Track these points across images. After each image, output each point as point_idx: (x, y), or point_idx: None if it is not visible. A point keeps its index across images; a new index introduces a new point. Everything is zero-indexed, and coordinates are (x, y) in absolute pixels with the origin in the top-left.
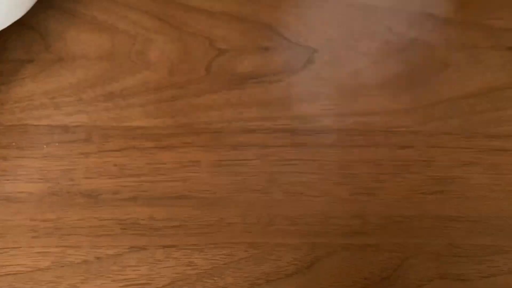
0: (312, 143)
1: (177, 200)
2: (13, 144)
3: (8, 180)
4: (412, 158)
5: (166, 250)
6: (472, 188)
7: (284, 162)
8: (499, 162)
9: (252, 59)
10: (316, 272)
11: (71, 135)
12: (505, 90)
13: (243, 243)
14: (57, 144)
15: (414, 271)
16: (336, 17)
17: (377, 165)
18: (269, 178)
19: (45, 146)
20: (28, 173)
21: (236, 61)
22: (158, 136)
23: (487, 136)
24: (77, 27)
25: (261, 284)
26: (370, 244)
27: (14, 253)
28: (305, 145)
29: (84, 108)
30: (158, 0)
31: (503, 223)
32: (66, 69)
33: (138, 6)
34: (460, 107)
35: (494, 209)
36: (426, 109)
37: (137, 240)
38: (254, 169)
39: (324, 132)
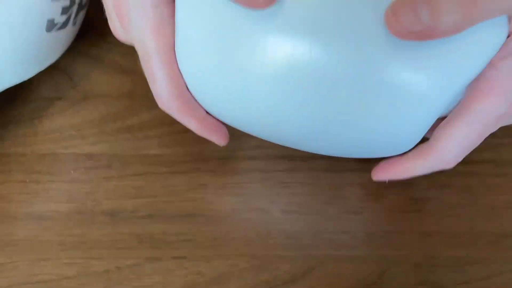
0: (306, 168)
1: (188, 217)
2: (45, 170)
3: (39, 201)
4: (392, 181)
5: (178, 261)
6: (447, 207)
7: (281, 185)
8: (471, 185)
9: None
10: (309, 280)
11: (95, 162)
12: None
13: (245, 255)
14: (82, 169)
15: (396, 280)
16: None
17: (363, 187)
18: (268, 199)
19: (72, 172)
20: (57, 195)
21: None
22: (171, 162)
23: (461, 162)
24: (100, 69)
25: None
26: (357, 256)
27: (44, 263)
28: (299, 170)
29: (106, 138)
30: None
31: (475, 237)
32: (90, 105)
33: None
34: None
35: (467, 225)
36: None
37: (152, 252)
38: (255, 191)
39: (316, 159)
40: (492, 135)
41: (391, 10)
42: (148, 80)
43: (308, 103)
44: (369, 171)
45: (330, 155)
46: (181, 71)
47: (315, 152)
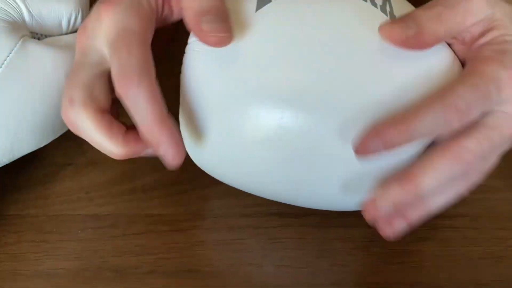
0: (297, 224)
1: (187, 273)
2: (54, 230)
3: (48, 259)
4: (377, 235)
5: None
6: (428, 259)
7: (274, 240)
8: (449, 237)
9: None
10: None
11: (101, 222)
12: None
13: None
14: (89, 229)
15: None
16: None
17: (350, 241)
18: (262, 254)
19: (79, 231)
20: (66, 253)
21: None
22: (172, 221)
23: (439, 217)
24: None
25: None
26: None
27: None
28: (291, 226)
29: (112, 200)
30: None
31: (454, 286)
32: (98, 169)
33: None
34: None
35: (446, 276)
36: None
37: None
38: (249, 247)
39: (306, 215)
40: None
41: (385, 23)
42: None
43: (285, 166)
44: (355, 226)
45: (313, 207)
46: (182, 134)
47: (298, 204)
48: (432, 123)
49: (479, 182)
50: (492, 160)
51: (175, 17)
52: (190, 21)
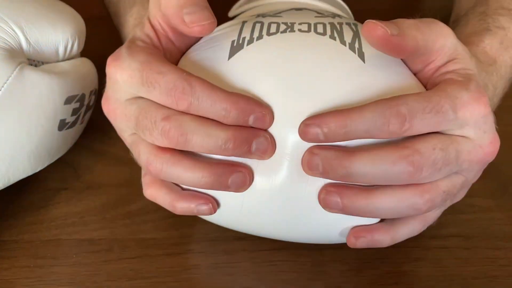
0: (290, 247)
1: None
2: (48, 255)
3: (42, 284)
4: (371, 256)
5: None
6: (421, 280)
7: (268, 263)
8: (442, 258)
9: None
10: None
11: (96, 246)
12: None
13: None
14: (84, 254)
15: None
16: None
17: (344, 263)
18: (256, 277)
19: (74, 256)
20: (60, 278)
21: None
22: (166, 245)
23: (431, 237)
24: (102, 161)
25: None
26: None
27: None
28: (284, 249)
29: (107, 224)
30: None
31: None
32: (93, 194)
33: None
34: None
35: None
36: None
37: None
38: (243, 270)
39: None
40: (459, 212)
41: (369, 21)
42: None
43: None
44: (348, 248)
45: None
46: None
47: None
48: (370, 121)
49: (439, 201)
50: (454, 185)
51: (178, 45)
52: (172, 17)
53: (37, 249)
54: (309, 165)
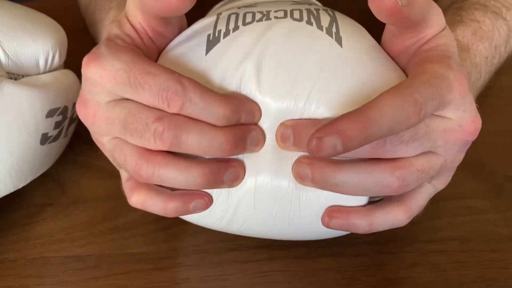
0: (283, 257)
1: None
2: (34, 274)
3: None
4: (366, 263)
5: None
6: (418, 285)
7: (260, 274)
8: (439, 262)
9: None
10: None
11: (83, 263)
12: (438, 203)
13: None
14: (71, 271)
15: None
16: None
17: (338, 271)
18: None
19: (60, 274)
20: None
21: None
22: (155, 259)
23: (428, 241)
24: (88, 175)
25: None
26: None
27: None
28: (277, 258)
29: (94, 240)
30: None
31: None
32: (79, 209)
33: None
34: None
35: None
36: None
37: None
38: (235, 282)
39: (292, 247)
40: (454, 214)
41: None
42: None
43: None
44: (342, 255)
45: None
46: None
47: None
48: (393, 116)
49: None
50: (431, 165)
51: (159, 44)
52: (150, 2)
53: (22, 268)
54: (281, 137)
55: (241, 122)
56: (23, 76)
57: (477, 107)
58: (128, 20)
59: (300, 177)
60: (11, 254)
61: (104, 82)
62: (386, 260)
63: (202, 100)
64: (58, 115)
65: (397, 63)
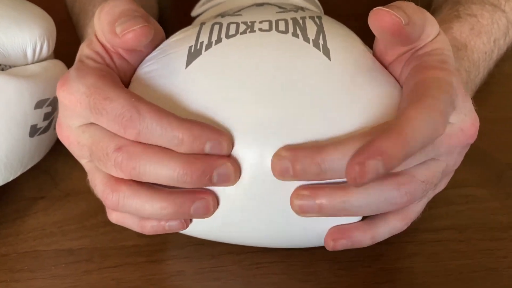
0: (278, 248)
1: None
2: (26, 268)
3: None
4: (363, 253)
5: None
6: (418, 276)
7: (256, 265)
8: (437, 252)
9: None
10: None
11: (75, 257)
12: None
13: None
14: (63, 265)
15: None
16: None
17: (334, 262)
18: (244, 281)
19: (53, 268)
20: None
21: None
22: (149, 252)
23: (425, 230)
24: (80, 167)
25: None
26: None
27: None
28: (272, 250)
29: (86, 233)
30: None
31: None
32: (72, 202)
33: None
34: None
35: None
36: None
37: None
38: (231, 274)
39: None
40: (452, 203)
41: (378, 9)
42: None
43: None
44: None
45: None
46: None
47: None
48: (425, 129)
49: None
50: (433, 173)
51: (133, 62)
52: (106, 34)
53: (13, 263)
54: (280, 171)
55: (205, 152)
56: (10, 67)
57: (475, 109)
58: (98, 40)
59: (303, 211)
60: (2, 248)
61: (72, 106)
62: (383, 250)
63: (159, 125)
64: (47, 106)
65: (389, 71)
